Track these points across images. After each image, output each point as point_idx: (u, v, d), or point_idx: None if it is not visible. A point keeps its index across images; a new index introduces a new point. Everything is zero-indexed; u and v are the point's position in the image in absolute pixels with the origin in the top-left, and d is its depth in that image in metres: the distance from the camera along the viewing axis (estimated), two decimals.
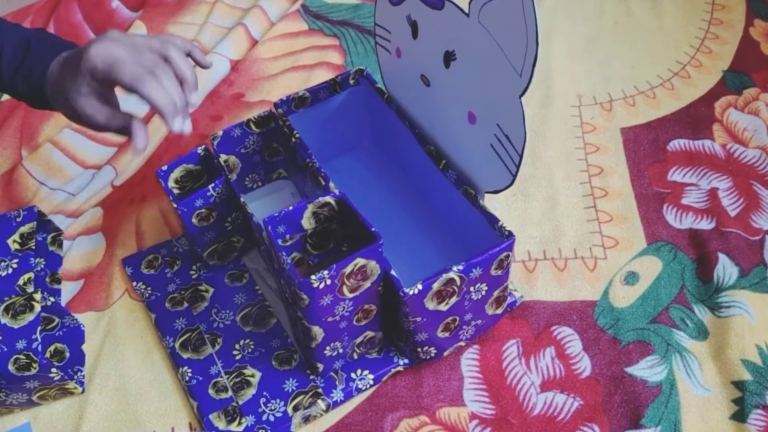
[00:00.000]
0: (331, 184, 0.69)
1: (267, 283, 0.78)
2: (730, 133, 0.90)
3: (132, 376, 0.74)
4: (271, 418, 0.69)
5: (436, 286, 0.62)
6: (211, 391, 0.71)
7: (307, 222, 0.67)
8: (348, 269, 0.60)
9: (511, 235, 0.65)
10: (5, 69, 0.70)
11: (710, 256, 0.78)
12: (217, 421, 0.69)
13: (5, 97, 1.01)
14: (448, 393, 0.71)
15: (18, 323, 0.67)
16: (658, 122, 0.92)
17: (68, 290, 0.80)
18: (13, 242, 0.73)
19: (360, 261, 0.60)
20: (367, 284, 0.63)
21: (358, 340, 0.69)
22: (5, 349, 0.65)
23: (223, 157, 0.77)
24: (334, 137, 0.84)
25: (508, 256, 0.65)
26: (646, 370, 0.71)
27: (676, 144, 0.89)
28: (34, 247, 0.73)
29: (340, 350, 0.68)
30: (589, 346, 0.73)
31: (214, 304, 0.77)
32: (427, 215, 0.80)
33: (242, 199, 0.71)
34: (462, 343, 0.72)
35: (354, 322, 0.66)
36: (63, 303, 0.79)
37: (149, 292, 0.78)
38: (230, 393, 0.70)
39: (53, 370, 0.67)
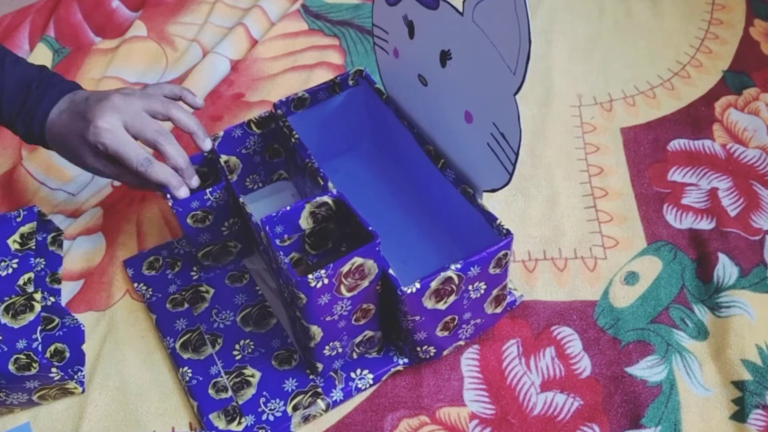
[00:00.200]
0: (330, 184, 0.69)
1: (267, 283, 0.78)
2: (730, 133, 0.90)
3: (132, 376, 0.74)
4: (271, 418, 0.69)
5: (434, 284, 0.62)
6: (211, 391, 0.71)
7: (305, 222, 0.67)
8: (345, 268, 0.60)
9: (509, 233, 0.65)
10: (5, 111, 0.73)
11: (710, 256, 0.78)
12: (217, 420, 0.69)
13: None
14: (447, 393, 0.71)
15: (18, 323, 0.67)
16: (658, 122, 0.92)
17: (68, 290, 0.81)
18: (13, 242, 0.73)
19: (357, 260, 0.60)
20: (365, 283, 0.63)
21: (357, 339, 0.69)
22: (5, 349, 0.66)
23: (223, 157, 0.77)
24: (334, 138, 0.84)
25: (506, 255, 0.65)
26: (646, 370, 0.71)
27: (676, 144, 0.89)
28: (34, 247, 0.73)
29: (340, 350, 0.68)
30: (589, 346, 0.73)
31: (215, 305, 0.77)
32: (426, 214, 0.80)
33: (241, 200, 0.71)
34: (461, 343, 0.72)
35: (353, 322, 0.66)
36: (63, 303, 0.79)
37: (150, 293, 0.78)
38: (230, 393, 0.70)
39: (53, 370, 0.67)
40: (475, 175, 0.69)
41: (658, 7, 1.05)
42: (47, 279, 0.79)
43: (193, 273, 0.80)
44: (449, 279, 0.63)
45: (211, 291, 0.78)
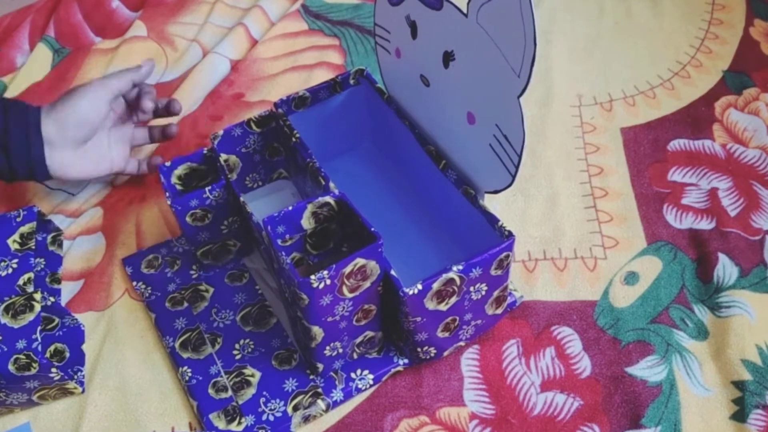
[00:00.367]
0: (331, 184, 0.69)
1: (267, 283, 0.78)
2: (730, 133, 0.90)
3: (132, 375, 0.74)
4: (271, 418, 0.69)
5: (435, 286, 0.62)
6: (210, 391, 0.71)
7: (307, 222, 0.67)
8: (348, 269, 0.60)
9: (510, 235, 0.65)
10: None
11: (710, 256, 0.78)
12: (217, 420, 0.69)
13: (5, 96, 1.01)
14: (448, 393, 0.71)
15: (18, 323, 0.67)
16: (658, 122, 0.92)
17: (68, 290, 0.80)
18: (13, 242, 0.73)
19: (360, 261, 0.60)
20: (367, 284, 0.63)
21: (358, 340, 0.69)
22: (5, 349, 0.66)
23: (223, 156, 0.77)
24: (334, 137, 0.84)
25: (508, 256, 0.65)
26: (646, 370, 0.71)
27: (676, 144, 0.89)
28: (33, 247, 0.73)
29: (340, 350, 0.68)
30: (589, 346, 0.73)
31: (214, 304, 0.77)
32: (427, 215, 0.80)
33: (242, 199, 0.71)
34: (462, 343, 0.72)
35: (354, 322, 0.66)
36: (63, 303, 0.79)
37: (149, 291, 0.78)
38: (230, 393, 0.70)
39: (53, 370, 0.67)
40: (477, 177, 0.69)
41: (658, 7, 1.06)
42: (47, 279, 0.79)
43: (192, 272, 0.80)
44: (451, 280, 0.63)
45: (211, 290, 0.78)
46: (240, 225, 0.77)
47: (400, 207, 0.81)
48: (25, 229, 0.74)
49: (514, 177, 0.64)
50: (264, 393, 0.70)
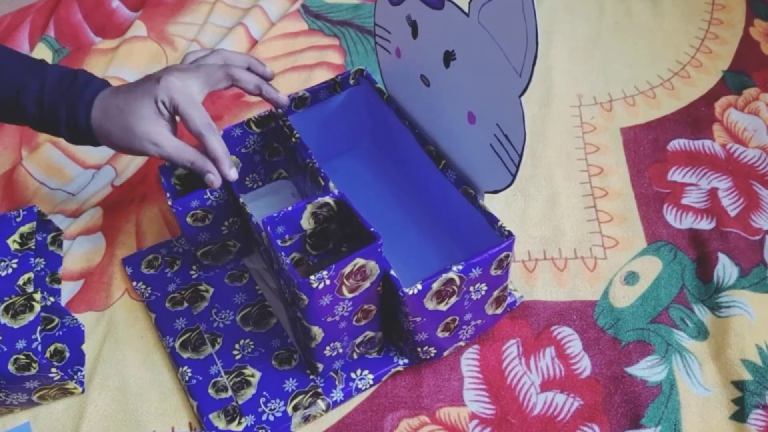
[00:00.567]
0: (331, 184, 0.69)
1: (267, 283, 0.78)
2: (730, 133, 0.90)
3: (132, 376, 0.74)
4: (271, 418, 0.69)
5: (435, 286, 0.62)
6: (210, 391, 0.71)
7: (306, 222, 0.67)
8: (347, 269, 0.60)
9: (510, 235, 0.65)
10: (47, 99, 0.70)
11: (710, 256, 0.78)
12: (217, 420, 0.69)
13: None
14: (448, 393, 0.71)
15: (18, 323, 0.67)
16: (658, 122, 0.92)
17: (68, 290, 0.80)
18: (12, 242, 0.73)
19: (359, 261, 0.60)
20: (367, 284, 0.63)
21: (358, 340, 0.69)
22: (5, 349, 0.66)
23: None
24: (334, 137, 0.84)
25: (507, 256, 0.65)
26: (646, 370, 0.71)
27: (676, 144, 0.89)
28: (33, 247, 0.73)
29: (340, 350, 0.68)
30: (589, 346, 0.73)
31: (214, 304, 0.77)
32: (427, 215, 0.80)
33: (241, 200, 0.71)
34: (462, 343, 0.72)
35: (354, 322, 0.66)
36: (63, 303, 0.79)
37: (149, 291, 0.78)
38: (230, 393, 0.70)
39: (53, 370, 0.67)
40: (477, 177, 0.69)
41: (658, 7, 1.05)
42: (47, 279, 0.79)
43: (192, 272, 0.80)
44: (451, 280, 0.63)
45: (211, 290, 0.78)
46: (240, 225, 0.77)
47: (400, 207, 0.81)
48: (25, 229, 0.74)
49: (514, 177, 0.64)
50: (264, 393, 0.70)
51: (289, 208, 0.65)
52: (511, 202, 0.85)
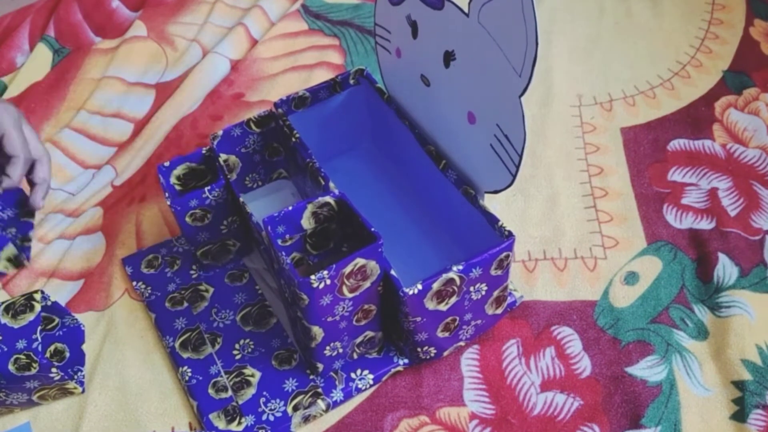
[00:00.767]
0: (331, 184, 0.69)
1: (267, 283, 0.78)
2: (730, 133, 0.90)
3: (132, 375, 0.74)
4: (271, 418, 0.69)
5: (435, 286, 0.62)
6: (210, 391, 0.71)
7: (307, 222, 0.67)
8: (348, 269, 0.60)
9: (511, 235, 0.65)
10: None
11: (710, 256, 0.78)
12: (217, 420, 0.69)
13: (5, 96, 1.01)
14: (448, 393, 0.71)
15: (18, 323, 0.67)
16: (658, 122, 0.92)
17: (68, 290, 0.80)
18: None
19: (360, 261, 0.60)
20: (367, 284, 0.63)
21: (358, 340, 0.69)
22: (5, 349, 0.66)
23: (223, 156, 0.77)
24: (334, 137, 0.84)
25: (508, 256, 0.65)
26: (646, 370, 0.71)
27: (676, 144, 0.89)
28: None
29: (340, 350, 0.68)
30: (589, 346, 0.73)
31: (214, 304, 0.77)
32: (427, 215, 0.80)
33: (242, 199, 0.71)
34: (462, 343, 0.72)
35: (354, 322, 0.66)
36: (63, 303, 0.79)
37: (149, 291, 0.78)
38: (230, 393, 0.70)
39: (53, 370, 0.67)
40: (478, 177, 0.69)
41: (658, 7, 1.05)
42: (18, 241, 0.80)
43: (192, 272, 0.80)
44: (451, 280, 0.63)
45: (211, 290, 0.78)
46: (240, 225, 0.77)
47: (400, 207, 0.81)
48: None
49: (514, 177, 0.64)
50: (264, 393, 0.70)
51: (290, 208, 0.65)
52: (511, 202, 0.85)
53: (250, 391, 0.70)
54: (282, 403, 0.69)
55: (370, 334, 0.69)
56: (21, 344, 0.66)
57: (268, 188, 0.84)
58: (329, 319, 0.63)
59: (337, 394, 0.70)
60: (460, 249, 0.75)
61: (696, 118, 0.92)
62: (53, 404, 0.72)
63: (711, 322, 0.74)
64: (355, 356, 0.71)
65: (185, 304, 0.77)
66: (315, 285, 0.59)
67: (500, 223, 0.66)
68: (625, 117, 0.93)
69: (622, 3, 1.07)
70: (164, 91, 1.00)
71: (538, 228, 0.82)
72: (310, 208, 0.66)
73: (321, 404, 0.69)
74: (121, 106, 0.98)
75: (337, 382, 0.70)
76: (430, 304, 0.64)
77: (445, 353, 0.72)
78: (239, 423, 0.68)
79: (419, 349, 0.69)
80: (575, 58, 1.00)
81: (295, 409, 0.69)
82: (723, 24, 1.03)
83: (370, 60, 1.02)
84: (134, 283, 0.79)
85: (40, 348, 0.65)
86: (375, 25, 0.76)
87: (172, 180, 0.75)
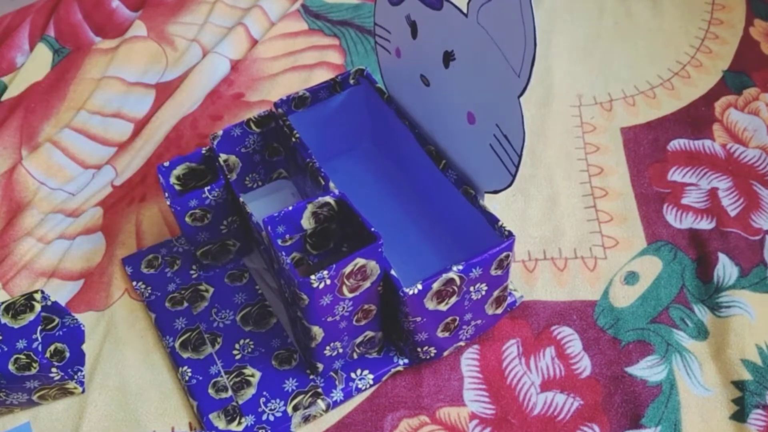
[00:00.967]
0: (331, 184, 0.69)
1: (267, 283, 0.78)
2: (730, 133, 0.90)
3: (132, 375, 0.74)
4: (271, 418, 0.69)
5: (435, 286, 0.62)
6: (210, 391, 0.71)
7: (307, 222, 0.67)
8: (348, 269, 0.60)
9: (511, 235, 0.65)
10: None
11: (710, 256, 0.78)
12: (217, 420, 0.69)
13: (5, 96, 1.01)
14: (448, 393, 0.71)
15: (18, 323, 0.67)
16: (658, 122, 0.92)
17: (68, 290, 0.80)
18: None
19: (360, 261, 0.60)
20: (367, 284, 0.63)
21: (358, 340, 0.69)
22: (5, 349, 0.66)
23: (223, 156, 0.77)
24: (334, 137, 0.84)
25: (508, 256, 0.65)
26: (646, 369, 0.71)
27: (676, 144, 0.89)
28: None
29: (340, 350, 0.68)
30: (589, 346, 0.73)
31: (214, 304, 0.77)
32: (427, 215, 0.80)
33: (242, 199, 0.71)
34: (462, 343, 0.72)
35: (354, 322, 0.66)
36: (63, 303, 0.79)
37: (149, 291, 0.78)
38: (230, 393, 0.70)
39: (53, 369, 0.67)
40: (477, 177, 0.69)
41: (658, 7, 1.05)
42: None
43: (192, 272, 0.80)
44: (451, 280, 0.63)
45: (211, 290, 0.78)
46: (239, 225, 0.77)
47: (399, 207, 0.81)
48: None
49: (514, 177, 0.64)
50: (264, 393, 0.70)
51: (290, 208, 0.65)
52: (511, 202, 0.85)
53: (250, 391, 0.70)
54: (282, 403, 0.70)
55: (370, 334, 0.69)
56: (21, 344, 0.66)
57: (268, 188, 0.84)
58: (329, 319, 0.63)
59: (337, 394, 0.70)
60: (460, 249, 0.75)
61: (696, 118, 0.92)
62: (53, 404, 0.72)
63: (711, 322, 0.74)
64: (355, 356, 0.71)
65: (185, 304, 0.77)
66: (315, 285, 0.59)
67: (500, 223, 0.66)
68: (625, 117, 0.93)
69: (622, 3, 1.07)
70: (164, 91, 1.00)
71: (538, 228, 0.82)
72: (310, 208, 0.66)
73: (321, 404, 0.69)
74: (121, 106, 0.98)
75: (337, 382, 0.70)
76: (430, 304, 0.64)
77: (445, 353, 0.72)
78: (239, 423, 0.69)
79: (419, 349, 0.69)
80: (575, 58, 1.00)
81: (295, 409, 0.69)
82: (723, 24, 1.03)
83: (370, 60, 1.02)
84: (134, 283, 0.79)
85: (40, 348, 0.65)
86: (375, 25, 0.76)
87: (172, 180, 0.75)
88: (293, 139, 0.75)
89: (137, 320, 0.78)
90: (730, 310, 0.74)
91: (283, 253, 0.61)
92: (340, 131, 0.84)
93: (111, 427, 0.71)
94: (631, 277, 0.78)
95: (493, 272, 0.65)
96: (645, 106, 0.94)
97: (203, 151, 0.76)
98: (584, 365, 0.72)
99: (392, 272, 0.63)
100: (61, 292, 0.80)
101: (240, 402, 0.70)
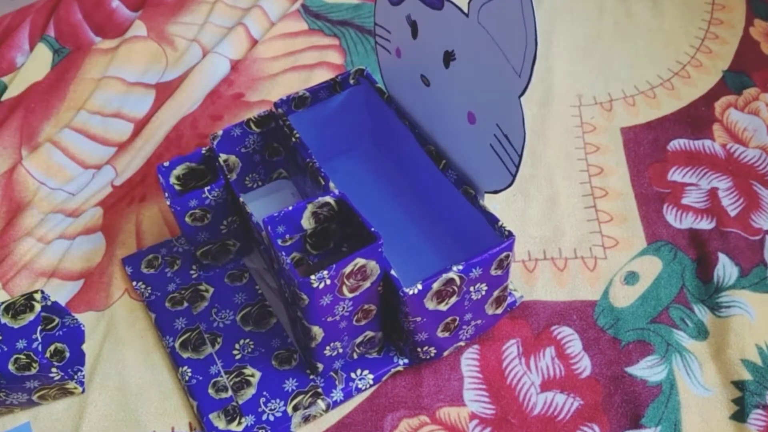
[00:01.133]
0: (331, 184, 0.69)
1: (267, 282, 0.78)
2: (730, 133, 0.90)
3: (132, 375, 0.74)
4: (271, 418, 0.69)
5: (435, 286, 0.62)
6: (210, 391, 0.71)
7: (307, 222, 0.67)
8: (348, 269, 0.60)
9: (511, 235, 0.65)
10: None
11: (710, 256, 0.78)
12: (217, 420, 0.69)
13: (5, 96, 1.01)
14: (448, 393, 0.71)
15: (18, 323, 0.67)
16: (658, 122, 0.92)
17: (68, 290, 0.80)
18: None
19: (360, 261, 0.60)
20: (367, 284, 0.63)
21: (358, 340, 0.69)
22: (5, 349, 0.66)
23: (223, 156, 0.77)
24: (334, 137, 0.84)
25: (508, 256, 0.65)
26: (646, 369, 0.71)
27: (676, 144, 0.89)
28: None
29: (340, 350, 0.68)
30: (589, 346, 0.73)
31: (214, 304, 0.77)
32: (427, 215, 0.80)
33: (242, 199, 0.71)
34: (462, 343, 0.72)
35: (354, 322, 0.66)
36: (63, 303, 0.79)
37: (149, 291, 0.78)
38: (230, 393, 0.70)
39: (53, 369, 0.67)
40: (477, 177, 0.69)
41: (658, 7, 1.05)
42: None
43: (192, 272, 0.80)
44: (451, 280, 0.63)
45: (211, 290, 0.78)
46: (239, 225, 0.77)
47: (399, 207, 0.81)
48: None
49: (514, 177, 0.64)
50: (264, 393, 0.70)
51: (290, 208, 0.65)
52: (511, 202, 0.85)
53: (250, 391, 0.70)
54: (282, 403, 0.70)
55: (370, 334, 0.69)
56: (21, 344, 0.66)
57: (268, 188, 0.84)
58: (329, 319, 0.63)
59: (337, 394, 0.70)
60: (460, 249, 0.75)
61: (696, 118, 0.92)
62: (53, 404, 0.72)
63: (711, 322, 0.74)
64: (355, 356, 0.71)
65: (185, 304, 0.77)
66: (315, 285, 0.59)
67: (500, 223, 0.66)
68: (625, 117, 0.93)
69: (622, 3, 1.07)
70: (164, 91, 1.00)
71: (538, 228, 0.82)
72: (310, 208, 0.66)
73: (321, 404, 0.69)
74: (121, 106, 0.98)
75: (337, 382, 0.70)
76: (430, 304, 0.64)
77: (445, 353, 0.72)
78: (239, 423, 0.69)
79: (419, 349, 0.69)
80: (575, 58, 1.00)
81: (295, 409, 0.69)
82: (723, 24, 1.03)
83: (370, 60, 1.02)
84: (134, 283, 0.79)
85: (40, 348, 0.65)
86: (375, 25, 0.76)
87: (172, 180, 0.75)
88: (293, 139, 0.75)
89: (137, 320, 0.78)
90: (730, 310, 0.74)
91: (283, 253, 0.61)
92: (340, 131, 0.84)
93: (111, 427, 0.71)
94: (631, 277, 0.78)
95: (493, 272, 0.65)
96: (645, 106, 0.94)
97: (203, 151, 0.76)
98: (584, 365, 0.72)
99: (392, 272, 0.63)
100: (61, 292, 0.80)
101: (240, 402, 0.70)
